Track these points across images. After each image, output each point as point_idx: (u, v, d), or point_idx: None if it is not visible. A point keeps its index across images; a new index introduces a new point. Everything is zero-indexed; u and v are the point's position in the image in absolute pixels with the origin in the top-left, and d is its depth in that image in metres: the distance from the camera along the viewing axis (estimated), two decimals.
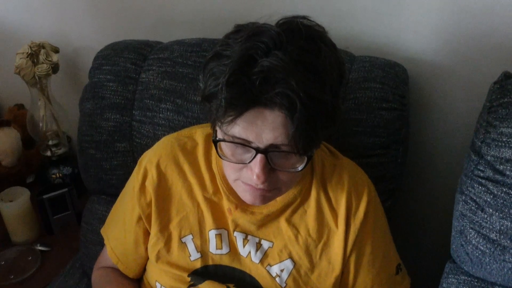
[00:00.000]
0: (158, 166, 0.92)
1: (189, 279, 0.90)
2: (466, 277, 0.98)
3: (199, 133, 0.95)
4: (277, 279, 0.90)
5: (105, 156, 1.15)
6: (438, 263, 1.06)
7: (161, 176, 0.92)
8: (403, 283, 0.97)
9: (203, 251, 0.91)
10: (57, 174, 1.52)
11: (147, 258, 0.97)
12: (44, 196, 1.38)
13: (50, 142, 1.51)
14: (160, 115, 1.10)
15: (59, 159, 1.52)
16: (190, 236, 0.91)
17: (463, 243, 0.94)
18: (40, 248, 1.37)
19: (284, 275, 0.90)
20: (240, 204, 0.89)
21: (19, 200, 1.35)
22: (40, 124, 1.48)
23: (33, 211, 1.39)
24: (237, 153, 0.77)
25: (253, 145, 0.74)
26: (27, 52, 1.36)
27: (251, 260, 0.90)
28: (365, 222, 0.90)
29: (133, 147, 1.14)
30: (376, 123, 1.03)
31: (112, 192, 1.14)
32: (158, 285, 0.93)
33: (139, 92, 1.12)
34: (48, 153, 1.51)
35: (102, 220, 1.06)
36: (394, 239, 0.98)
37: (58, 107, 1.47)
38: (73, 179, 1.52)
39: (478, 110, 0.96)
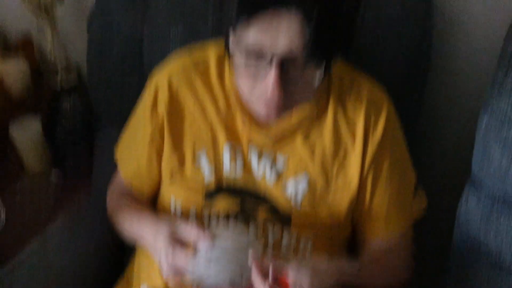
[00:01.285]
0: (169, 84, 0.89)
1: (204, 190, 0.90)
2: (486, 195, 0.95)
3: (212, 49, 0.92)
4: (292, 200, 0.88)
5: (115, 80, 1.13)
6: (457, 185, 1.04)
7: (173, 94, 0.89)
8: (420, 202, 0.96)
9: (217, 173, 0.89)
10: (68, 105, 1.50)
11: (160, 181, 0.96)
12: (56, 127, 1.37)
13: (59, 73, 1.48)
14: (171, 33, 1.06)
15: (70, 89, 1.49)
16: (204, 156, 0.89)
17: (485, 158, 0.92)
18: (53, 179, 1.36)
19: (299, 197, 0.88)
20: (255, 122, 0.86)
21: (31, 130, 1.34)
22: (48, 54, 1.45)
23: (44, 142, 1.38)
24: (251, 64, 0.74)
25: (267, 53, 0.71)
26: None
27: (266, 182, 0.88)
28: (383, 140, 0.87)
29: (143, 69, 1.11)
30: (398, 41, 1.00)
31: (124, 116, 1.11)
32: (173, 199, 0.92)
33: (149, 11, 1.08)
34: (58, 84, 1.49)
35: (114, 146, 1.05)
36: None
37: (66, 35, 1.43)
38: (84, 110, 1.50)
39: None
